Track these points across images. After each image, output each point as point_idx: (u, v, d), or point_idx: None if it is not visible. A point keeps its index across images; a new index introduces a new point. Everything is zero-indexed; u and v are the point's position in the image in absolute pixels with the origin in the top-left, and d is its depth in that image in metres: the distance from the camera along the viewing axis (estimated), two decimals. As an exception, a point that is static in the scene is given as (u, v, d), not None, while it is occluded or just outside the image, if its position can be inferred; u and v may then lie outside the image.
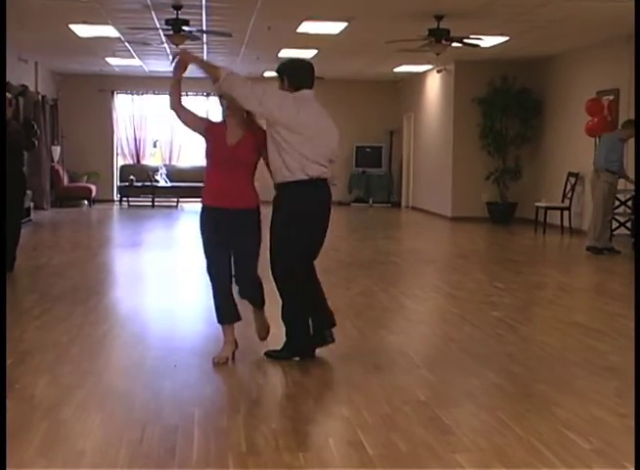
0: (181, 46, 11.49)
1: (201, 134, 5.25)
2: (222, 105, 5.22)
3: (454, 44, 11.45)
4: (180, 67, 5.20)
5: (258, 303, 5.39)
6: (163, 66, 16.76)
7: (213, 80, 5.04)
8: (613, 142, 10.90)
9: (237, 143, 5.11)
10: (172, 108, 5.24)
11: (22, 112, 15.21)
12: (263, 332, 5.50)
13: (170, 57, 5.32)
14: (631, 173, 11.03)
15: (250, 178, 5.17)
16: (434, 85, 17.61)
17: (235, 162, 5.10)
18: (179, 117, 5.24)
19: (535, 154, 15.76)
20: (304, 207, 5.10)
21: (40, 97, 16.81)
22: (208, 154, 5.22)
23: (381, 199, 20.23)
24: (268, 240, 5.16)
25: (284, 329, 5.33)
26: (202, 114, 5.41)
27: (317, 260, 5.40)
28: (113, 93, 19.75)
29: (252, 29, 12.07)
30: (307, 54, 14.53)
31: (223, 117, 5.27)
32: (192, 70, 5.20)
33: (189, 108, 5.31)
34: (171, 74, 5.27)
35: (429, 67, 16.83)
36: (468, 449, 3.81)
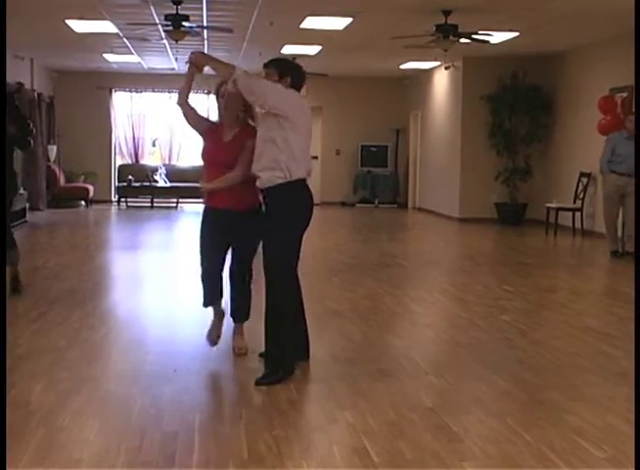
0: (181, 42, 11.52)
1: (199, 133, 5.52)
2: (219, 103, 5.42)
3: (462, 40, 11.45)
4: (193, 68, 5.30)
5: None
6: (163, 62, 16.80)
7: (224, 78, 5.14)
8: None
9: (230, 141, 5.33)
10: (179, 103, 5.43)
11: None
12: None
13: (185, 59, 5.45)
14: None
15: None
16: (441, 82, 17.61)
17: (231, 161, 5.27)
18: (183, 113, 5.45)
19: (546, 153, 15.74)
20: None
21: (36, 95, 16.83)
22: (205, 154, 5.49)
23: (386, 199, 20.22)
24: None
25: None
26: (203, 112, 5.64)
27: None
28: (110, 91, 19.76)
29: (255, 25, 12.07)
30: (311, 50, 14.56)
31: (220, 117, 5.49)
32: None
33: (193, 106, 5.50)
34: (178, 72, 5.41)
35: (436, 63, 16.81)
36: (476, 457, 3.81)
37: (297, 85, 5.14)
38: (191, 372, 5.19)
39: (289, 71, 5.12)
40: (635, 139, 10.67)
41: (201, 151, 5.50)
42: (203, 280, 5.56)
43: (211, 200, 5.43)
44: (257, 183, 5.10)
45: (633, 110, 11.38)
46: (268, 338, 5.12)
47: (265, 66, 5.17)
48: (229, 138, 5.34)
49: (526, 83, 15.53)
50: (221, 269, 5.54)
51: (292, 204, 5.04)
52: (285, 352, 5.07)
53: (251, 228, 5.33)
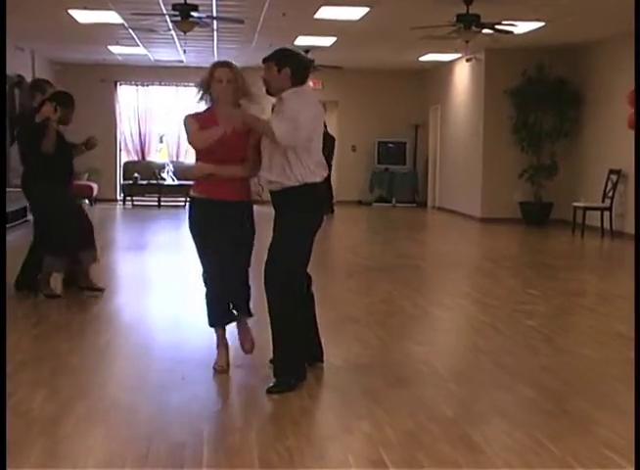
0: (190, 33, 11.56)
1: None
2: (205, 98, 5.21)
3: (485, 31, 11.43)
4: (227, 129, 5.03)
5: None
6: (170, 54, 16.86)
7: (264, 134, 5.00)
8: None
9: (232, 135, 5.03)
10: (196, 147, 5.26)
11: (17, 104, 15.31)
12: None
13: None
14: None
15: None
16: (462, 75, 17.60)
17: (229, 155, 5.11)
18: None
19: (573, 149, 15.70)
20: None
21: (38, 88, 16.88)
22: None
23: (405, 198, 20.22)
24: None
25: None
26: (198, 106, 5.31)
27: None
28: (116, 84, 19.85)
29: (266, 15, 12.09)
30: (326, 42, 14.57)
31: (215, 103, 5.20)
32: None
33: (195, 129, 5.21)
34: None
35: (457, 55, 16.81)
36: (498, 469, 3.80)
37: (299, 75, 5.01)
38: (199, 380, 5.20)
39: (287, 61, 4.98)
40: (635, 138, 10.65)
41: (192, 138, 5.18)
42: (212, 299, 5.35)
43: (209, 190, 5.17)
44: (268, 186, 5.08)
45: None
46: (275, 345, 5.11)
47: (264, 60, 5.04)
48: (229, 131, 5.01)
49: (552, 76, 15.49)
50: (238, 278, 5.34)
51: (302, 208, 5.02)
52: (295, 359, 5.07)
53: (246, 222, 5.25)
